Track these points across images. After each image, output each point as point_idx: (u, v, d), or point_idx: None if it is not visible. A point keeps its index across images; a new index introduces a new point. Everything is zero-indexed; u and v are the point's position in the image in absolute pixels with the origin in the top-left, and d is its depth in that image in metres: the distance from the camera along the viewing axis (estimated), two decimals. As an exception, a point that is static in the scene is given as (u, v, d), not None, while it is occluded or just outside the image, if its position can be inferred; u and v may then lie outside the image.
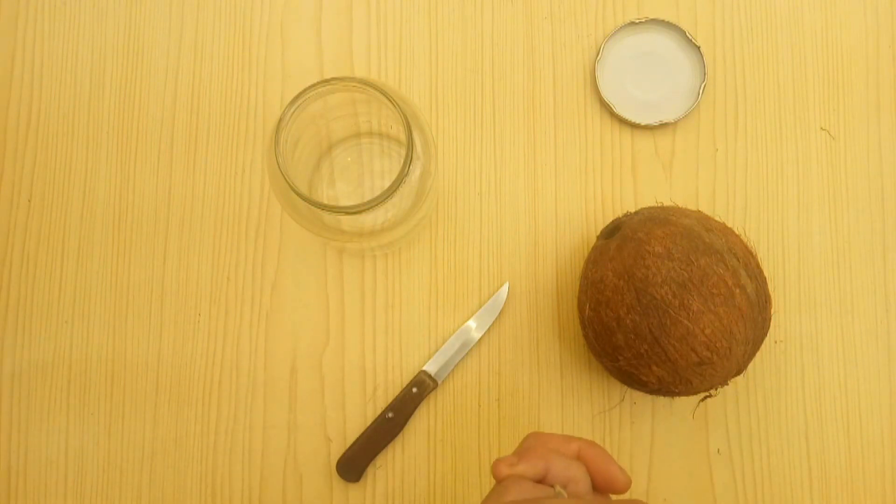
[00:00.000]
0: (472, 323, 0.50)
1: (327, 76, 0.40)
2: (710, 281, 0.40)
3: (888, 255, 0.52)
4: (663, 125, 0.52)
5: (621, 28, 0.53)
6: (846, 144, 0.53)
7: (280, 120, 0.39)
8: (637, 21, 0.53)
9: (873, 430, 0.50)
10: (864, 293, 0.51)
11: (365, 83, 0.39)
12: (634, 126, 0.52)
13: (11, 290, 0.51)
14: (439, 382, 0.49)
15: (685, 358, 0.40)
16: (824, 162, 0.53)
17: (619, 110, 0.52)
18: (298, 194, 0.39)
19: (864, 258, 0.52)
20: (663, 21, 0.52)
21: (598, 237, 0.47)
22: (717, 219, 0.46)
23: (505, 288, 0.51)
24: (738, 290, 0.40)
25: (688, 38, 0.52)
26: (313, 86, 0.39)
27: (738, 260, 0.41)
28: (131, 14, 0.54)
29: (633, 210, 0.47)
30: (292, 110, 0.39)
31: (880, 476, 0.49)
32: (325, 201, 0.46)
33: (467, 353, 0.50)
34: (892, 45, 0.54)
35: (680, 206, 0.50)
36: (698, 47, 0.52)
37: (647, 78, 0.53)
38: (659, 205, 0.48)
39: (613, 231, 0.45)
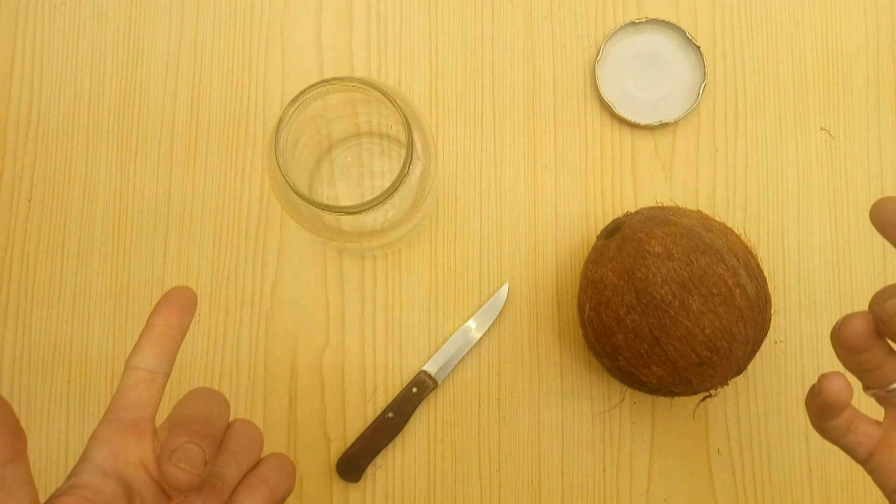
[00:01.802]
0: (472, 323, 0.50)
1: (327, 76, 0.40)
2: (709, 281, 0.40)
3: (888, 255, 0.52)
4: (663, 125, 0.52)
5: (621, 28, 0.53)
6: (846, 144, 0.53)
7: (280, 120, 0.39)
8: (637, 21, 0.53)
9: (873, 430, 0.50)
10: (864, 293, 0.51)
11: (365, 83, 0.39)
12: (634, 126, 0.52)
13: (11, 290, 0.51)
14: (439, 382, 0.49)
15: (685, 358, 0.40)
16: (824, 162, 0.53)
17: (619, 110, 0.52)
18: (298, 194, 0.39)
19: (864, 258, 0.52)
20: (663, 21, 0.52)
21: (598, 237, 0.47)
22: (717, 219, 0.46)
23: (505, 288, 0.51)
24: (738, 290, 0.40)
25: (688, 38, 0.52)
26: (313, 86, 0.39)
27: (738, 260, 0.41)
28: (131, 14, 0.54)
29: (633, 210, 0.47)
30: (292, 110, 0.39)
31: (880, 476, 0.49)
32: (325, 201, 0.46)
33: (467, 353, 0.50)
34: (892, 45, 0.54)
35: (680, 206, 0.50)
36: (698, 47, 0.52)
37: (647, 78, 0.53)
38: (659, 205, 0.48)
39: (613, 231, 0.45)
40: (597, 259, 0.44)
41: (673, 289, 0.40)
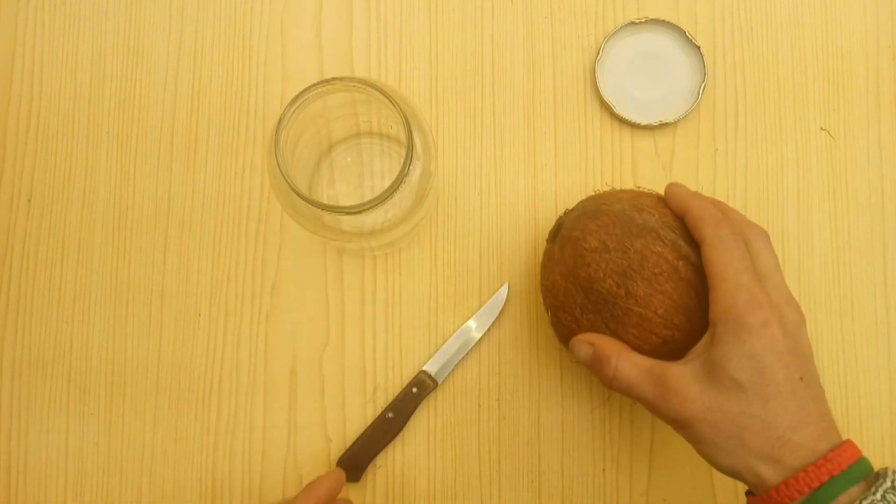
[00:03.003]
0: (472, 323, 0.50)
1: (327, 76, 0.40)
2: (649, 262, 0.39)
3: (888, 255, 0.52)
4: (663, 125, 0.52)
5: (621, 28, 0.53)
6: (846, 144, 0.53)
7: (280, 120, 0.39)
8: (637, 21, 0.53)
9: (873, 430, 0.50)
10: (864, 293, 0.51)
11: (365, 83, 0.39)
12: (634, 126, 0.52)
13: (11, 290, 0.51)
14: (439, 382, 0.49)
15: (648, 342, 0.40)
16: (824, 162, 0.53)
17: (619, 110, 0.52)
18: (298, 194, 0.39)
19: (864, 258, 0.52)
20: (663, 21, 0.53)
21: (546, 240, 0.46)
22: (650, 192, 0.45)
23: (505, 288, 0.51)
24: (681, 263, 0.40)
25: (688, 38, 0.52)
26: (313, 86, 0.39)
27: (675, 232, 0.41)
28: (131, 14, 0.54)
29: (571, 206, 0.46)
30: (292, 110, 0.39)
31: (880, 476, 0.49)
32: (325, 201, 0.46)
33: (467, 353, 0.50)
34: (892, 45, 0.54)
35: (616, 188, 0.49)
36: (698, 47, 0.52)
37: (647, 78, 0.53)
38: (595, 193, 0.47)
39: (556, 233, 0.45)
40: (546, 264, 0.44)
41: (616, 280, 0.40)
